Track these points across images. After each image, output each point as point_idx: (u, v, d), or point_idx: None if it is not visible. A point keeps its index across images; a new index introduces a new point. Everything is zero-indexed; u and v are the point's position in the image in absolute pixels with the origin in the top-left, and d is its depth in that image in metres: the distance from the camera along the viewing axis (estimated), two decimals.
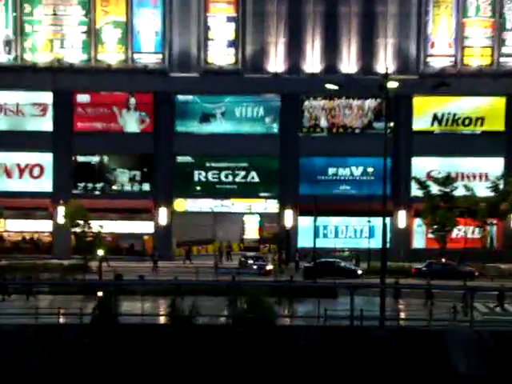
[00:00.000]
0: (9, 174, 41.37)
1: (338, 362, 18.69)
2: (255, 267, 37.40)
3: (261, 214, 44.41)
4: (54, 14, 40.69)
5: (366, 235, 41.71)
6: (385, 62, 41.13)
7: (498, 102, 41.36)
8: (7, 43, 40.39)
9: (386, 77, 27.09)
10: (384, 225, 25.39)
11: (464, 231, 40.76)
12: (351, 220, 42.28)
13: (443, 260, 37.85)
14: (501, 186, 40.10)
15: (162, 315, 24.74)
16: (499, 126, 41.40)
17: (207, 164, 42.33)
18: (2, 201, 40.38)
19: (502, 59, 41.30)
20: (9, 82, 40.30)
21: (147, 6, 41.39)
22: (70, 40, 41.20)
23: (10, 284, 29.79)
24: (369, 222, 40.77)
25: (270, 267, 37.27)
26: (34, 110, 41.32)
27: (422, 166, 41.33)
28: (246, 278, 31.96)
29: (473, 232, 41.53)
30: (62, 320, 23.88)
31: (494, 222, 41.29)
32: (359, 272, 35.12)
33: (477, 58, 41.36)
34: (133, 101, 41.17)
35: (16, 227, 42.30)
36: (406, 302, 28.47)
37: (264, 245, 45.01)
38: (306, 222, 40.97)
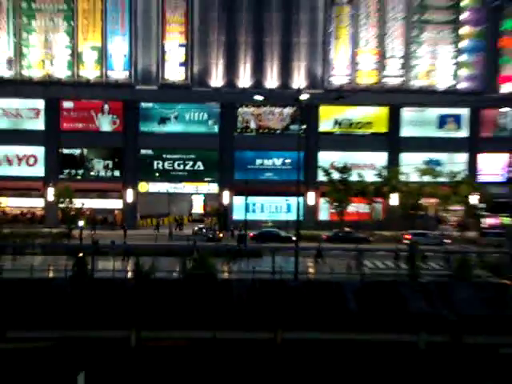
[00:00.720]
0: (10, 162, 50.48)
1: (263, 306, 23.51)
2: (210, 235, 44.60)
3: (205, 194, 54.64)
4: (46, 40, 51.41)
5: (285, 210, 52.17)
6: (298, 80, 52.62)
7: (382, 111, 52.02)
8: (9, 62, 49.86)
9: (299, 91, 38.55)
10: (298, 203, 35.42)
11: (357, 207, 51.93)
12: (273, 199, 52.01)
13: (346, 229, 49.87)
14: (384, 174, 52.46)
15: (128, 271, 31.09)
16: (383, 128, 52.09)
17: (164, 156, 51.65)
18: (5, 183, 50.54)
19: (384, 79, 52.60)
20: (10, 92, 49.32)
21: (118, 34, 51.43)
22: (57, 60, 50.37)
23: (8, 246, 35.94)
24: (286, 200, 51.99)
25: (221, 235, 45.43)
26: (29, 113, 50.45)
27: (326, 158, 50.85)
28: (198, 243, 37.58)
29: (363, 208, 51.56)
30: (51, 274, 29.88)
31: (379, 200, 51.91)
32: (293, 238, 38.80)
33: (366, 77, 52.24)
34: (106, 107, 50.43)
35: (16, 204, 51.19)
36: (323, 261, 34.75)
37: (207, 218, 55.87)
38: (239, 201, 50.57)
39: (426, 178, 49.42)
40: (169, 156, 51.89)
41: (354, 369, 18.47)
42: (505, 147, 50.43)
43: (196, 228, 47.31)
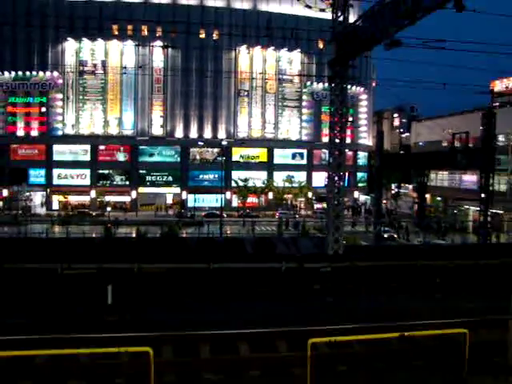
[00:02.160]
0: (72, 177, 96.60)
1: (204, 250, 31.06)
2: (188, 215, 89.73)
3: (174, 194, 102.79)
4: (91, 114, 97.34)
5: (215, 202, 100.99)
6: (221, 133, 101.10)
7: (264, 150, 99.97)
8: (72, 125, 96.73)
9: (221, 140, 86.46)
10: (221, 198, 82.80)
11: (251, 199, 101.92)
12: (209, 196, 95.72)
13: (247, 210, 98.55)
14: (265, 183, 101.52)
15: (132, 233, 77.66)
16: (265, 159, 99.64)
17: (151, 173, 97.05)
18: (69, 188, 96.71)
19: (265, 134, 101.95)
20: (72, 141, 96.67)
21: (127, 110, 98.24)
22: (97, 124, 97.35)
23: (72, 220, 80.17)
24: (215, 196, 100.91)
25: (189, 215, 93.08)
26: (82, 152, 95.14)
27: (236, 175, 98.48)
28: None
29: (255, 200, 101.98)
30: (93, 235, 76.42)
31: (263, 196, 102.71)
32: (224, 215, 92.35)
33: (256, 133, 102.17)
34: (122, 148, 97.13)
35: (74, 199, 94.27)
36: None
37: (174, 206, 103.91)
38: (190, 197, 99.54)
39: (287, 184, 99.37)
40: (154, 173, 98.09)
41: (248, 283, 26.23)
42: (324, 168, 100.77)
43: (178, 211, 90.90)
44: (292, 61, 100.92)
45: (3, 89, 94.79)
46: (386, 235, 65.07)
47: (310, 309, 23.56)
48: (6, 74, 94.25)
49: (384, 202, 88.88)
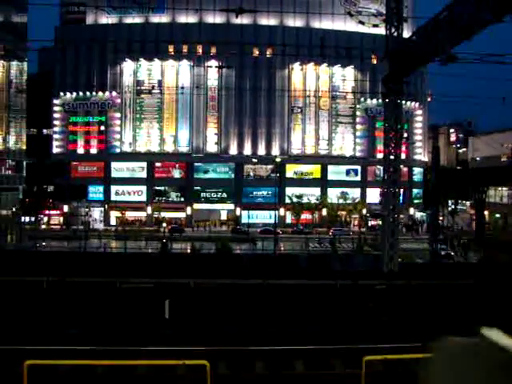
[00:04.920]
0: (129, 194, 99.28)
1: (258, 266, 32.03)
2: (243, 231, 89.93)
3: (228, 210, 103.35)
4: (148, 132, 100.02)
5: (268, 218, 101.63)
6: (275, 150, 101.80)
7: (318, 166, 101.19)
8: (129, 143, 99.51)
9: (275, 157, 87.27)
10: (275, 214, 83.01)
11: (305, 216, 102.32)
12: (262, 212, 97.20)
13: (300, 227, 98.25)
14: (319, 199, 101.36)
15: (189, 249, 79.89)
16: (318, 175, 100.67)
17: (206, 189, 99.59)
18: (126, 204, 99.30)
19: (319, 150, 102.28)
20: (129, 159, 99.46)
21: (182, 128, 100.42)
22: (153, 141, 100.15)
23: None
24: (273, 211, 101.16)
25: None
26: (139, 169, 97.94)
27: (289, 191, 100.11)
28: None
29: (309, 216, 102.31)
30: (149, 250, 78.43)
31: (317, 212, 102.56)
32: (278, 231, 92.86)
33: (309, 149, 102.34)
34: (177, 165, 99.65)
35: (131, 215, 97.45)
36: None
37: (229, 223, 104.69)
38: (244, 213, 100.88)
39: (341, 201, 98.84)
40: (208, 190, 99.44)
41: (302, 299, 25.73)
42: (378, 185, 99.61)
43: (234, 227, 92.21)
44: (345, 77, 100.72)
45: (65, 109, 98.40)
46: (442, 253, 63.63)
47: (364, 326, 23.36)
48: (68, 94, 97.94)
49: (440, 218, 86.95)
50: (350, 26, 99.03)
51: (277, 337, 20.70)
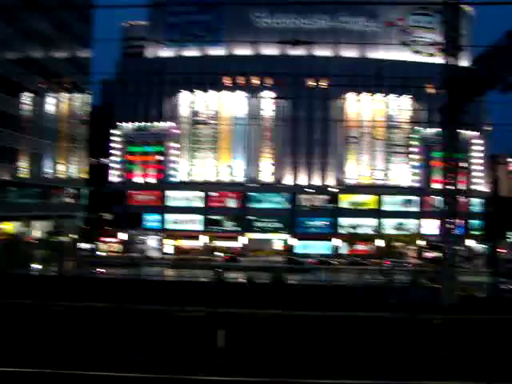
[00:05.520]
0: (183, 223, 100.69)
1: (312, 296, 30.61)
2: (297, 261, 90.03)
3: (282, 240, 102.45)
4: (203, 162, 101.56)
5: (322, 248, 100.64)
6: (329, 181, 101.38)
7: (373, 197, 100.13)
8: (186, 174, 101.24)
9: (329, 187, 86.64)
10: (332, 245, 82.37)
11: (360, 246, 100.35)
12: (316, 242, 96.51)
13: (355, 258, 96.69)
14: (375, 230, 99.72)
15: (243, 279, 79.25)
16: (374, 206, 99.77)
17: (260, 219, 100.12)
18: (181, 233, 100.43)
19: (373, 180, 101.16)
20: (185, 188, 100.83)
21: (237, 158, 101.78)
22: (209, 171, 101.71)
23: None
24: (328, 242, 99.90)
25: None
26: (195, 198, 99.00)
27: (344, 221, 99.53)
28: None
29: (364, 247, 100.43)
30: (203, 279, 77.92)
31: (372, 243, 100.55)
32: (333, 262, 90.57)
33: (364, 180, 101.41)
34: (233, 195, 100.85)
35: (185, 243, 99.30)
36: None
37: (283, 253, 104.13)
38: (299, 243, 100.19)
39: (397, 232, 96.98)
40: (263, 219, 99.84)
41: (357, 332, 25.17)
42: (436, 216, 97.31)
43: (288, 257, 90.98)
44: (401, 106, 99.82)
45: (124, 139, 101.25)
46: (503, 287, 61.16)
47: (423, 362, 22.62)
48: (127, 125, 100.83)
49: (501, 251, 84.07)
50: (405, 55, 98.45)
51: (332, 369, 20.28)
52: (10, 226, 65.63)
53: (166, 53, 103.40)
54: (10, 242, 62.07)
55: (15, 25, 63.05)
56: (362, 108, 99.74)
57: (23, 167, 68.72)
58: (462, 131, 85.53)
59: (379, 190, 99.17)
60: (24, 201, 68.50)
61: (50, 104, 75.42)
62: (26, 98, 68.69)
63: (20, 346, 22.07)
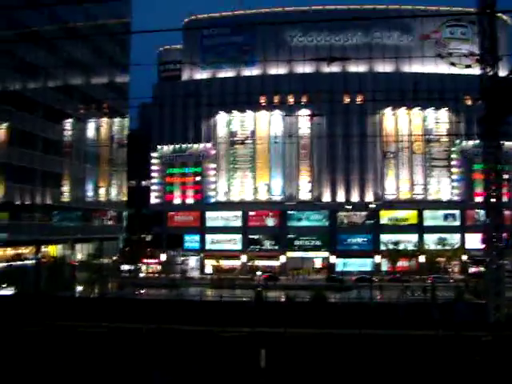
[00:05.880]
0: (224, 243, 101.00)
1: (354, 315, 30.00)
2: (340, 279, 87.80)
3: (322, 258, 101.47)
4: (241, 182, 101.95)
5: (363, 265, 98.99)
6: (368, 197, 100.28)
7: (414, 212, 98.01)
8: (225, 193, 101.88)
9: (369, 203, 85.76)
10: (371, 262, 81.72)
11: (401, 264, 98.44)
12: (356, 260, 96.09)
13: (397, 275, 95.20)
14: (416, 246, 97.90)
15: (283, 298, 78.82)
16: (415, 221, 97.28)
17: (299, 237, 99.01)
18: (221, 253, 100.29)
19: (413, 196, 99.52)
20: (224, 208, 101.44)
21: (275, 177, 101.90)
22: (247, 191, 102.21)
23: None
24: (368, 259, 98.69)
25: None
26: (233, 218, 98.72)
27: (385, 238, 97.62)
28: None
29: (406, 263, 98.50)
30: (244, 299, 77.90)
31: (414, 259, 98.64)
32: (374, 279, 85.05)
33: (404, 195, 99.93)
34: (271, 214, 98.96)
35: (226, 263, 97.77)
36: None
37: (323, 271, 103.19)
38: (339, 261, 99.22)
39: (439, 247, 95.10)
40: (302, 237, 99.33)
41: (401, 350, 25.02)
42: (479, 230, 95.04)
43: (328, 275, 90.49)
44: (439, 119, 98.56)
45: (162, 161, 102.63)
46: None
47: (471, 381, 21.92)
48: (165, 147, 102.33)
49: None
50: (441, 68, 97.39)
51: None
52: (53, 249, 67.00)
53: (201, 75, 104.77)
54: (53, 264, 63.33)
55: (56, 53, 64.94)
56: (399, 122, 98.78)
57: (66, 191, 70.26)
58: (504, 142, 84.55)
59: (420, 204, 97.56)
60: (67, 224, 69.92)
61: (91, 129, 77.14)
62: (68, 124, 70.46)
63: (65, 369, 22.36)
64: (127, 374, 21.75)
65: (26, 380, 21.25)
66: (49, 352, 24.48)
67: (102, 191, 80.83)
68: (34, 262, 61.80)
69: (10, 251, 58.92)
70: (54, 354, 24.36)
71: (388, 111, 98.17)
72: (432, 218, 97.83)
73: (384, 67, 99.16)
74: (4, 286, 54.63)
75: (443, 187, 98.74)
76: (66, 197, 70.32)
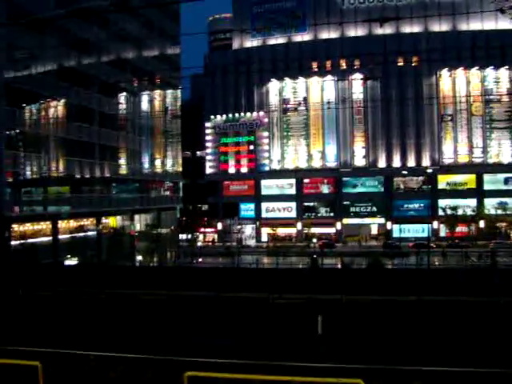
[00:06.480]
0: (279, 211, 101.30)
1: (409, 280, 29.58)
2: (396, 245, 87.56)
3: (378, 224, 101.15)
4: (295, 149, 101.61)
5: (421, 231, 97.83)
6: (425, 161, 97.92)
7: (472, 176, 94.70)
8: (278, 160, 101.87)
9: (426, 168, 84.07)
10: (428, 227, 79.63)
11: (461, 229, 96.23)
12: (414, 225, 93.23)
13: (456, 241, 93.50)
14: (475, 211, 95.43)
15: (340, 265, 78.80)
16: (473, 185, 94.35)
17: (355, 204, 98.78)
18: (276, 221, 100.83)
19: (473, 159, 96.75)
20: (277, 176, 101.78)
21: (329, 144, 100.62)
22: (301, 158, 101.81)
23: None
24: (426, 225, 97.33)
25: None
26: (288, 186, 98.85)
27: (443, 203, 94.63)
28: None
29: (465, 229, 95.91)
30: (300, 266, 78.39)
31: (473, 225, 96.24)
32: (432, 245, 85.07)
33: (463, 159, 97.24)
34: (325, 181, 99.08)
35: (281, 231, 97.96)
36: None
37: (379, 237, 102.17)
38: (396, 227, 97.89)
39: (499, 212, 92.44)
40: (357, 204, 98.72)
41: (459, 318, 23.98)
42: None
43: (385, 241, 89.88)
44: (499, 79, 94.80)
45: (216, 131, 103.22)
46: None
47: None
48: (218, 117, 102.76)
49: None
50: (502, 24, 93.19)
51: (433, 357, 19.70)
52: (113, 221, 68.89)
53: (252, 43, 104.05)
54: (114, 235, 65.21)
55: (108, 28, 65.72)
56: (456, 83, 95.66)
57: (123, 164, 71.80)
58: None
59: (479, 168, 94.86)
60: (125, 196, 71.63)
61: (145, 101, 78.15)
62: (122, 98, 71.59)
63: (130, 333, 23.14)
64: (188, 339, 22.34)
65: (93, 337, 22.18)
66: (108, 317, 25.38)
67: (157, 163, 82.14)
68: (95, 233, 63.74)
69: (72, 223, 60.89)
70: (113, 318, 25.25)
71: (444, 72, 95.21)
72: (492, 181, 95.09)
73: (440, 26, 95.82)
74: (68, 256, 56.77)
75: (504, 150, 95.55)
76: (123, 169, 71.84)
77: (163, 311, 26.38)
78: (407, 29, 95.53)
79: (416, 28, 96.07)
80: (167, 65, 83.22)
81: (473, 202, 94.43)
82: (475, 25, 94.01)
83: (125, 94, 72.01)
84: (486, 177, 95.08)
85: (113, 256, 58.65)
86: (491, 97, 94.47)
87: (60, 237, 56.72)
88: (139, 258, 68.45)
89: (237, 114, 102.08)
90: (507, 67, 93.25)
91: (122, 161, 71.77)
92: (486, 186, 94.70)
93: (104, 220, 66.36)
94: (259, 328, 24.53)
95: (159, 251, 69.64)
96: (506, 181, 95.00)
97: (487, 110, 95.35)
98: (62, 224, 57.63)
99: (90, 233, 63.13)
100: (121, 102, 71.29)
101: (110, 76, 65.85)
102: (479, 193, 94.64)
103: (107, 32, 65.60)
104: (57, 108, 57.78)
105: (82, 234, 61.57)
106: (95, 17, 61.66)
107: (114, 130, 68.90)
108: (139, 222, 74.33)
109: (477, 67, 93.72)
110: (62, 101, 58.71)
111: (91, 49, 63.14)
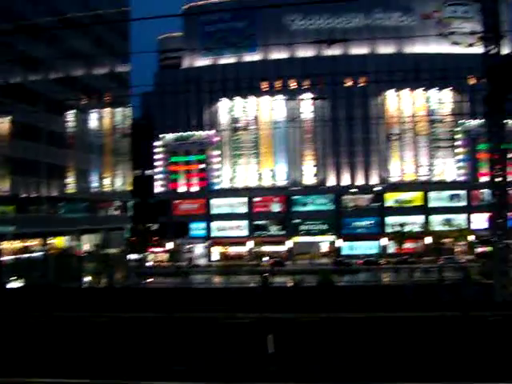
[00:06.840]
0: (230, 229, 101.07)
1: (360, 296, 30.35)
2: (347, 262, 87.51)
3: (329, 242, 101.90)
4: (245, 168, 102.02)
5: (369, 248, 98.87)
6: (372, 180, 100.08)
7: (418, 194, 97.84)
8: (230, 179, 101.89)
9: (373, 186, 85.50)
10: (378, 244, 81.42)
11: (407, 246, 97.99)
12: (362, 242, 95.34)
13: (404, 257, 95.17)
14: (421, 227, 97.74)
15: (290, 283, 79.76)
16: (420, 202, 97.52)
17: (305, 222, 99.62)
18: (227, 240, 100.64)
19: (418, 177, 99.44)
20: (228, 195, 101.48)
21: (279, 163, 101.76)
22: (250, 177, 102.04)
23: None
24: (375, 242, 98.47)
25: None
26: (239, 204, 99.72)
27: (390, 220, 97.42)
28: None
29: (411, 245, 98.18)
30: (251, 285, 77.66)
31: (420, 241, 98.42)
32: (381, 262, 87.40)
33: (408, 177, 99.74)
34: (276, 199, 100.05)
35: (232, 250, 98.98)
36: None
37: (330, 254, 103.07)
38: (345, 244, 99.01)
39: (445, 228, 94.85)
40: (308, 222, 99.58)
41: (408, 332, 24.02)
42: (485, 210, 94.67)
43: (335, 259, 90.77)
44: (443, 100, 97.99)
45: (166, 149, 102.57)
46: None
47: (478, 361, 21.91)
48: (169, 136, 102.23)
49: None
50: (443, 48, 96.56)
51: (386, 372, 19.88)
52: (60, 241, 67.26)
53: (202, 62, 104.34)
54: (61, 256, 63.59)
55: (56, 45, 64.68)
56: (402, 104, 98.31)
57: (71, 183, 70.36)
58: (509, 120, 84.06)
59: (425, 186, 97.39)
60: (73, 215, 70.07)
61: (94, 119, 77.05)
62: (71, 116, 70.38)
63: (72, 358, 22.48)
64: (133, 362, 21.85)
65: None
66: (55, 341, 24.62)
67: (106, 181, 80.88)
68: (41, 254, 62.01)
69: (17, 244, 59.09)
70: (60, 342, 24.51)
71: (391, 93, 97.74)
72: (437, 199, 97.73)
73: (386, 49, 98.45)
74: (13, 278, 54.93)
75: (448, 168, 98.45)
76: (71, 188, 70.40)
77: (112, 333, 25.76)
78: (355, 50, 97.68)
79: (363, 50, 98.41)
80: (117, 83, 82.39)
81: (420, 218, 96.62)
82: (419, 48, 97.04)
83: (73, 111, 70.82)
84: (432, 194, 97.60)
85: (60, 277, 57.07)
86: (435, 117, 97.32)
87: (3, 258, 54.87)
88: (87, 279, 66.86)
89: (187, 133, 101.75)
90: (450, 89, 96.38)
91: (70, 179, 70.32)
92: (432, 203, 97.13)
93: (51, 240, 64.69)
94: (210, 349, 24.22)
95: (108, 272, 68.21)
96: (451, 198, 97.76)
97: (432, 129, 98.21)
98: (6, 245, 55.80)
99: (36, 254, 61.33)
100: (69, 119, 70.04)
101: (58, 93, 64.66)
102: (425, 210, 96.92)
103: (55, 49, 64.51)
104: (0, 125, 56.22)
105: (27, 255, 59.74)
106: (42, 33, 60.57)
107: (62, 149, 67.58)
108: (87, 242, 72.76)
109: (421, 88, 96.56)
110: (7, 118, 57.20)
111: (38, 65, 61.95)
